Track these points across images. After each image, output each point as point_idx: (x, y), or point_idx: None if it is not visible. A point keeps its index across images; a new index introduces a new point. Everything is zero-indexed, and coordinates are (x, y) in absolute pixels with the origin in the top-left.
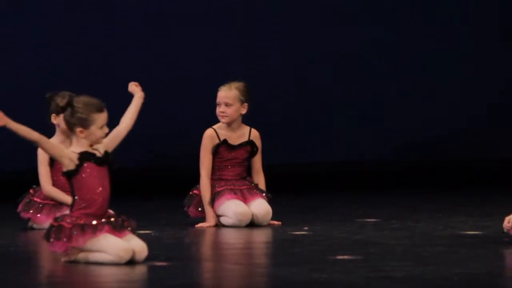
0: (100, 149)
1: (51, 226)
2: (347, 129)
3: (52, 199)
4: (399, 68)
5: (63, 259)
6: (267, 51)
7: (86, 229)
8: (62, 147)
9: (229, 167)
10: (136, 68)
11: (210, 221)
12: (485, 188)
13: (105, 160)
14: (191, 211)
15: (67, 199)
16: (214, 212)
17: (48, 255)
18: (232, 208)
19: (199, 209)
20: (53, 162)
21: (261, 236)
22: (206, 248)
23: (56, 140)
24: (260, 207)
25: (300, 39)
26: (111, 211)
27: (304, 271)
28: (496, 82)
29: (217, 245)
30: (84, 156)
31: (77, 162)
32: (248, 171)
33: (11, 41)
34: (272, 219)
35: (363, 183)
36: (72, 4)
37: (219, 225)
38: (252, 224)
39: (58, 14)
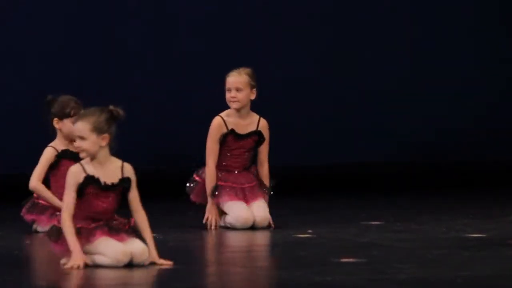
0: (118, 173)
1: (53, 226)
2: (350, 130)
3: (38, 195)
4: (402, 69)
5: (62, 261)
6: (267, 51)
7: (82, 233)
8: (70, 187)
9: (235, 156)
10: (139, 70)
11: (211, 212)
12: (489, 190)
13: (112, 187)
14: (194, 197)
15: (53, 199)
16: (216, 203)
17: (52, 258)
18: (235, 212)
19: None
20: (55, 166)
21: (265, 239)
22: (210, 251)
23: (57, 143)
24: (259, 212)
25: (300, 39)
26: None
27: (308, 273)
28: (496, 84)
29: (221, 248)
30: (88, 181)
31: (81, 180)
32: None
33: (14, 43)
34: (275, 221)
35: (366, 186)
36: (75, 6)
37: (221, 216)
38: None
39: (61, 16)
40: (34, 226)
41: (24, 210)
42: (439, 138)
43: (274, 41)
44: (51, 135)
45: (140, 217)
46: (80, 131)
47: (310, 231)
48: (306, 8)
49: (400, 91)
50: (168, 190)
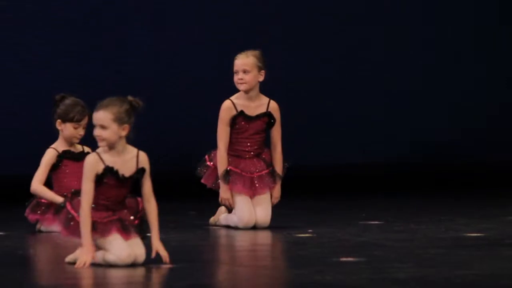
0: (133, 163)
1: (68, 211)
2: (350, 131)
3: (39, 197)
4: (402, 69)
5: (66, 259)
6: (267, 51)
7: (98, 228)
8: (88, 177)
9: (246, 139)
10: (140, 70)
11: (226, 193)
12: (488, 190)
13: (128, 179)
14: (205, 181)
15: (55, 197)
16: (231, 193)
17: (56, 257)
18: (239, 212)
19: (217, 181)
20: (57, 167)
21: (266, 238)
22: (211, 250)
23: (58, 145)
24: (261, 213)
25: (301, 39)
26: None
27: (308, 273)
28: (496, 84)
29: (222, 247)
30: (107, 173)
31: (100, 171)
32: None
33: (17, 42)
34: (277, 221)
35: (366, 186)
36: (75, 5)
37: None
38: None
39: (63, 15)
40: (38, 225)
41: (27, 210)
42: (439, 138)
43: (275, 41)
44: (55, 135)
45: (151, 207)
46: (101, 120)
47: (310, 230)
48: (306, 8)
49: (400, 91)
50: (169, 190)
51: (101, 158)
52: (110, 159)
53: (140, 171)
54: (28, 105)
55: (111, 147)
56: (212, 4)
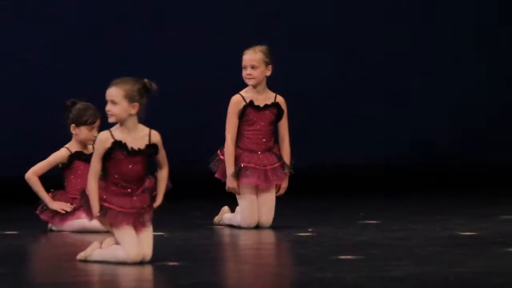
0: (145, 139)
1: (86, 194)
2: (350, 132)
3: (30, 185)
4: (402, 69)
5: (78, 257)
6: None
7: (108, 214)
8: (97, 154)
9: (256, 130)
10: (139, 70)
11: (233, 184)
12: (486, 190)
13: (139, 152)
14: (219, 175)
15: (42, 193)
16: (237, 183)
17: (68, 256)
18: (243, 212)
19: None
20: (68, 167)
21: (268, 237)
22: (215, 248)
23: (72, 145)
24: (264, 213)
25: (301, 39)
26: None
27: (309, 270)
28: (496, 84)
29: (226, 245)
30: (116, 146)
31: (109, 145)
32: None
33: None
34: (278, 220)
35: (366, 186)
36: (75, 6)
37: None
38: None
39: (63, 15)
40: (49, 225)
41: (39, 209)
42: (439, 138)
43: (275, 41)
44: (55, 136)
45: (162, 172)
46: (112, 96)
47: (310, 229)
48: (306, 8)
49: (400, 91)
50: (172, 191)
51: (112, 135)
52: (121, 135)
53: (153, 147)
54: (28, 105)
55: (120, 123)
56: (212, 3)
